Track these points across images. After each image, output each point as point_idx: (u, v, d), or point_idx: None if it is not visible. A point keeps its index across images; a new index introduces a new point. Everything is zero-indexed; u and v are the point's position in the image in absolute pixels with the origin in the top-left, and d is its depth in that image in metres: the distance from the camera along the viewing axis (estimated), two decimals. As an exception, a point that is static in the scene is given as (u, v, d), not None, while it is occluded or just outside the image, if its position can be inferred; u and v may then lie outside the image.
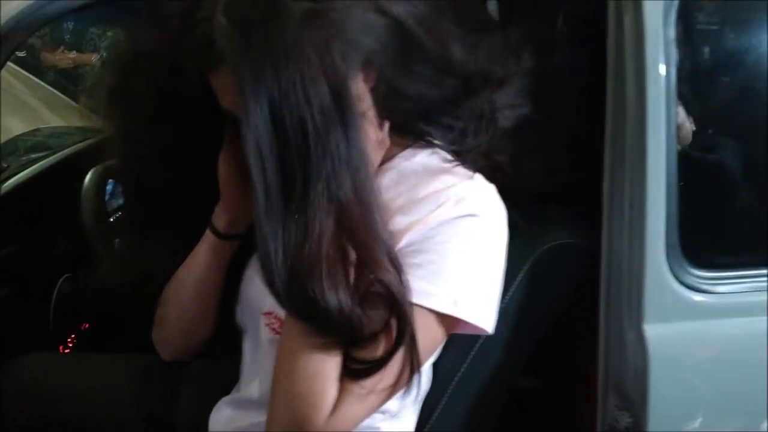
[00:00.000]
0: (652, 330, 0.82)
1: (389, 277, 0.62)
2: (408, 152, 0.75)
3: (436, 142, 0.74)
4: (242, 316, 0.88)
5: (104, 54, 2.53)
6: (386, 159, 0.74)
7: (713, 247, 0.86)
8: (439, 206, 0.68)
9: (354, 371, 0.64)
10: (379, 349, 0.64)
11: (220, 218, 0.85)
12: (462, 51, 0.72)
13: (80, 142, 1.62)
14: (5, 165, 1.33)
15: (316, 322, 0.63)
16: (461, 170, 0.74)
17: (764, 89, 0.85)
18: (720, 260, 0.85)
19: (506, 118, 0.78)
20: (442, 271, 0.67)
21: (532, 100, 0.82)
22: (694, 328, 0.84)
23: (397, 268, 0.63)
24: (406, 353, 0.64)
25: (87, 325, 1.34)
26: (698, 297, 0.83)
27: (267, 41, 0.61)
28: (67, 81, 2.52)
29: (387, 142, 0.71)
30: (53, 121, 1.94)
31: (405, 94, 0.70)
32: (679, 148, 0.83)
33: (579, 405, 0.97)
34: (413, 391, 0.69)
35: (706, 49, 0.85)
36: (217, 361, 1.04)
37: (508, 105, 0.78)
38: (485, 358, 0.93)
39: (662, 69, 0.80)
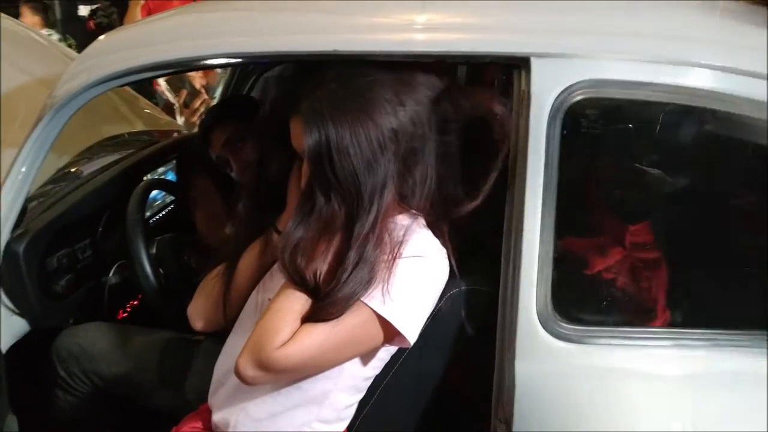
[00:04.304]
0: (520, 366, 1.05)
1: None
2: (402, 214, 1.09)
3: (413, 210, 1.09)
4: (257, 294, 1.18)
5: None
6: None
7: (579, 306, 1.07)
8: (405, 247, 1.02)
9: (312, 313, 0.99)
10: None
11: (282, 220, 1.15)
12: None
13: (149, 146, 1.97)
14: (81, 171, 1.69)
15: (292, 278, 1.00)
16: (422, 227, 1.07)
17: (630, 178, 1.05)
18: (584, 317, 1.07)
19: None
20: (386, 285, 0.99)
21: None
22: (555, 367, 1.05)
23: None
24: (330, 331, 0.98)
25: (135, 302, 1.70)
26: (561, 344, 1.05)
27: (333, 114, 0.98)
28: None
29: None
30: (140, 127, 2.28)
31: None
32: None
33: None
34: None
35: (585, 149, 1.06)
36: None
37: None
38: (407, 369, 1.19)
39: (541, 164, 1.02)
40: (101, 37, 1.24)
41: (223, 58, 1.12)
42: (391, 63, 1.06)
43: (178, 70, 1.16)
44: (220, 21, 1.20)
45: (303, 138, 1.00)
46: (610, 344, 1.05)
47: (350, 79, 1.03)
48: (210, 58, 1.13)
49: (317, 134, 0.99)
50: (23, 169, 1.19)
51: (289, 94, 1.10)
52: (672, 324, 1.07)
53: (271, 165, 1.16)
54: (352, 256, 0.99)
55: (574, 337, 1.05)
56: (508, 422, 1.07)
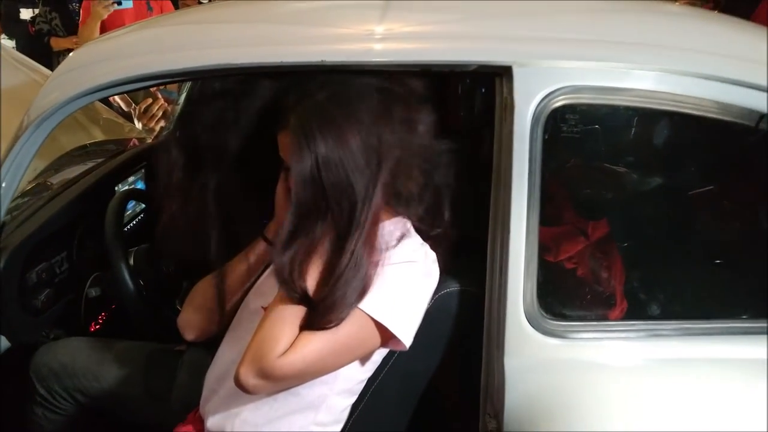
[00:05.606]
0: (509, 362, 1.09)
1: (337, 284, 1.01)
2: (392, 219, 1.12)
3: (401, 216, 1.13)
4: (248, 301, 1.20)
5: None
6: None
7: (563, 303, 1.13)
8: (396, 253, 1.06)
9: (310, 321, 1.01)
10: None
11: (269, 230, 1.17)
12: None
13: (117, 155, 1.94)
14: (51, 182, 1.65)
15: (288, 291, 1.01)
16: (411, 233, 1.12)
17: (612, 179, 1.11)
18: (569, 313, 1.12)
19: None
20: (380, 290, 1.03)
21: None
22: (542, 362, 1.10)
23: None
24: (328, 338, 1.01)
25: (104, 315, 1.67)
26: (548, 339, 1.10)
27: (322, 129, 1.00)
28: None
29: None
30: (99, 135, 2.23)
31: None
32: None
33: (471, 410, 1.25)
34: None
35: (565, 152, 1.11)
36: (208, 351, 1.34)
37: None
38: (397, 370, 1.21)
39: (526, 167, 1.06)
40: (80, 49, 1.23)
41: (212, 69, 1.12)
42: (374, 72, 1.09)
43: (164, 82, 1.15)
44: (205, 32, 1.20)
45: (292, 152, 1.02)
46: (595, 338, 1.10)
47: (336, 90, 1.05)
48: (196, 70, 1.13)
49: (306, 148, 1.00)
50: (3, 185, 1.16)
51: (275, 105, 1.11)
52: (656, 317, 1.13)
53: (257, 175, 1.17)
54: (346, 264, 1.01)
55: (560, 332, 1.10)
56: (498, 416, 1.11)
